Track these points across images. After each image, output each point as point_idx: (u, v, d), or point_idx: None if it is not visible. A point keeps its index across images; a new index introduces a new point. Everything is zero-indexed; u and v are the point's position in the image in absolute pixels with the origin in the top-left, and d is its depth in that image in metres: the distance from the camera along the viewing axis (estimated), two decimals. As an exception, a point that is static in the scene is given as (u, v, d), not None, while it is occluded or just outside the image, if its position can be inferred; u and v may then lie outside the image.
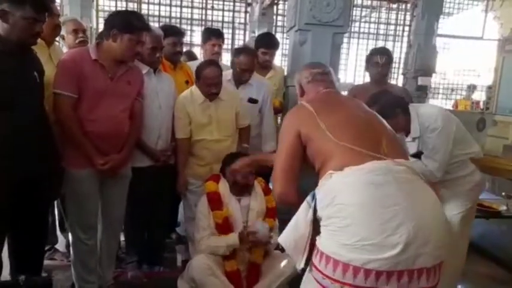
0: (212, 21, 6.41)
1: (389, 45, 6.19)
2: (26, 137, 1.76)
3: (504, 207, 3.02)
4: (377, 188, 1.15)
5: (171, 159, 2.46)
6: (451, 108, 6.95)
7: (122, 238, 2.52)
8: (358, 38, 6.77)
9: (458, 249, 2.21)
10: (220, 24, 6.32)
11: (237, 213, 2.21)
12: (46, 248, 2.42)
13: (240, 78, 2.71)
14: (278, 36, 4.84)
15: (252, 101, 2.74)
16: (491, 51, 6.50)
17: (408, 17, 6.15)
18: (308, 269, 1.28)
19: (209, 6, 6.42)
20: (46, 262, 2.33)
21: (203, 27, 5.82)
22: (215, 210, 2.18)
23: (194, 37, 6.46)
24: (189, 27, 6.41)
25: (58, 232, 2.75)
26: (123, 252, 2.63)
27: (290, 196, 1.36)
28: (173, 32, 2.70)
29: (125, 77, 2.06)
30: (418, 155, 2.09)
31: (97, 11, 5.68)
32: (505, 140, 5.77)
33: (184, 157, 2.47)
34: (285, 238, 1.31)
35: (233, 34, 6.54)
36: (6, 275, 1.99)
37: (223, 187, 2.24)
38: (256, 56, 2.87)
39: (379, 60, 2.84)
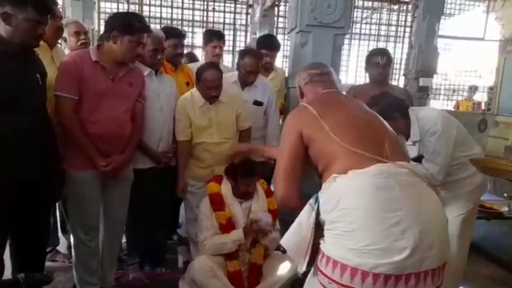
0: (213, 23, 6.42)
1: (390, 47, 6.18)
2: (27, 138, 1.76)
3: (506, 209, 3.02)
4: (381, 191, 1.15)
5: (172, 161, 2.46)
6: (453, 109, 6.93)
7: (124, 240, 2.53)
8: (359, 39, 6.76)
9: (460, 251, 2.21)
10: (221, 26, 6.32)
11: (239, 214, 2.22)
12: (48, 250, 2.43)
13: (246, 80, 2.71)
14: (279, 37, 4.85)
15: (257, 103, 2.75)
16: (493, 52, 6.48)
17: (409, 18, 6.14)
18: (312, 272, 1.28)
19: (210, 8, 6.42)
20: (48, 263, 2.33)
21: (204, 29, 5.83)
22: (218, 211, 2.18)
23: (195, 39, 6.48)
24: (190, 29, 6.43)
25: (60, 234, 2.76)
26: (124, 254, 2.64)
27: (292, 199, 1.36)
28: (174, 34, 2.71)
29: (126, 78, 2.07)
30: (418, 159, 2.08)
31: (99, 13, 5.69)
32: (506, 141, 5.75)
33: (185, 159, 2.47)
34: (287, 241, 1.30)
35: (234, 36, 6.55)
36: (8, 275, 1.99)
37: (225, 188, 2.24)
38: (261, 58, 2.87)
39: (380, 61, 2.82)
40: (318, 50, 2.90)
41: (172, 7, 6.16)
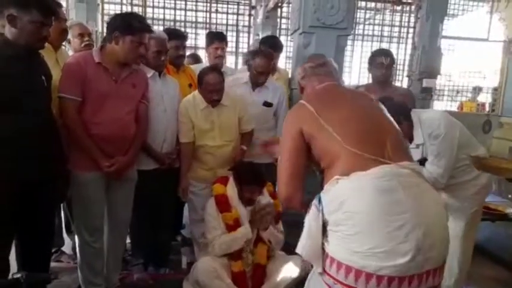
0: (216, 24, 6.45)
1: (393, 47, 6.16)
2: (31, 139, 1.77)
3: (511, 210, 3.00)
4: (384, 194, 1.15)
5: (176, 162, 2.47)
6: (456, 110, 6.91)
7: (128, 240, 2.53)
8: (362, 40, 6.76)
9: (464, 252, 2.20)
10: (224, 27, 6.35)
11: (244, 217, 2.21)
12: (52, 250, 2.43)
13: (257, 81, 2.71)
14: (282, 38, 4.86)
15: (267, 104, 2.75)
16: (497, 53, 6.45)
17: (412, 19, 6.13)
18: (315, 271, 1.28)
19: (213, 10, 6.45)
20: (52, 264, 2.34)
21: (207, 30, 5.85)
22: (224, 212, 2.18)
23: (199, 40, 6.50)
24: (193, 31, 6.45)
25: (64, 234, 2.77)
26: (129, 255, 2.65)
27: (295, 200, 1.35)
28: (176, 35, 2.71)
29: (129, 79, 2.08)
30: (422, 162, 2.06)
31: (102, 15, 5.73)
32: (511, 142, 5.72)
33: (188, 161, 2.47)
34: (301, 248, 1.28)
35: (237, 37, 6.57)
36: (13, 276, 2.00)
37: (231, 190, 2.24)
38: (272, 58, 2.86)
39: (384, 61, 2.81)
40: (321, 51, 2.89)
41: (175, 9, 6.19)
